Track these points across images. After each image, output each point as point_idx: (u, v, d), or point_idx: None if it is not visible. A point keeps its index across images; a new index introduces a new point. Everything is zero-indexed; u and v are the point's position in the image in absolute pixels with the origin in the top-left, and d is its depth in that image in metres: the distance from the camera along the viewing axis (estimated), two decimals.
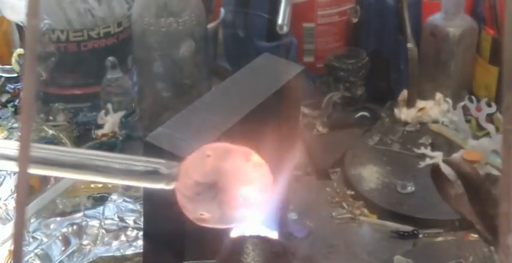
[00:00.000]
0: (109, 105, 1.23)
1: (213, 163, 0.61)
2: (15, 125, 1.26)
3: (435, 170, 0.86)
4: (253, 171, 0.61)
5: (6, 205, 1.08)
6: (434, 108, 1.27)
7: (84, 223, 1.04)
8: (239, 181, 0.61)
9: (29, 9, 0.31)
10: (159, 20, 1.16)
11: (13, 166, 0.55)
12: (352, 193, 1.14)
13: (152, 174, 0.62)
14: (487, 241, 0.90)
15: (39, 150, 0.57)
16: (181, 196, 0.62)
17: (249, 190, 0.61)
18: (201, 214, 0.61)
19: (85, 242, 1.02)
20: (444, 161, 0.59)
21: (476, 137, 1.20)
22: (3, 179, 1.12)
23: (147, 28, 1.16)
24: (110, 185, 1.12)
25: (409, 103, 1.28)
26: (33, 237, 1.02)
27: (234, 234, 0.65)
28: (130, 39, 1.23)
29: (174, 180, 0.62)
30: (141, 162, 0.62)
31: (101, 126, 1.23)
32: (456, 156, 0.97)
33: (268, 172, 0.62)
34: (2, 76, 1.39)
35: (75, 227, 1.04)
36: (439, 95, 1.27)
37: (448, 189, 0.84)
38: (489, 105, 1.21)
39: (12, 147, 0.55)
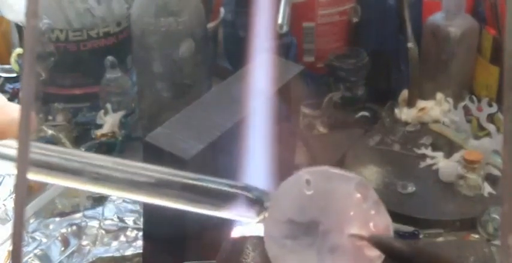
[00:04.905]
0: (108, 105, 1.23)
1: (315, 194, 0.45)
2: None
3: None
4: (371, 209, 0.45)
5: (5, 205, 1.07)
6: (435, 109, 1.26)
7: (83, 224, 1.04)
8: (350, 222, 0.45)
9: (28, 9, 0.30)
10: (158, 19, 1.15)
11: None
12: None
13: (232, 200, 0.46)
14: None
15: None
16: (268, 237, 0.46)
17: (365, 237, 0.44)
18: None
19: (84, 242, 1.02)
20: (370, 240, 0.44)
21: (477, 137, 1.20)
22: (3, 179, 1.11)
23: (146, 28, 1.16)
24: None
25: (410, 103, 1.27)
26: (32, 237, 1.02)
27: (234, 234, 0.64)
28: (130, 39, 1.23)
29: (261, 213, 0.46)
30: (220, 185, 0.47)
31: (100, 126, 1.23)
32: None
33: (387, 213, 0.46)
34: (1, 76, 1.38)
35: (74, 227, 1.03)
36: (439, 95, 1.27)
37: None
38: (490, 105, 1.21)
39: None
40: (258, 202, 0.46)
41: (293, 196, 0.46)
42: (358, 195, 0.45)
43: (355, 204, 0.45)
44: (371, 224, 0.45)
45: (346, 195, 0.45)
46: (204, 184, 0.47)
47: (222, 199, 0.46)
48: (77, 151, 0.50)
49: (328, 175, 0.46)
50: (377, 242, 0.44)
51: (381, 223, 0.45)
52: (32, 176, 0.47)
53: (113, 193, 0.49)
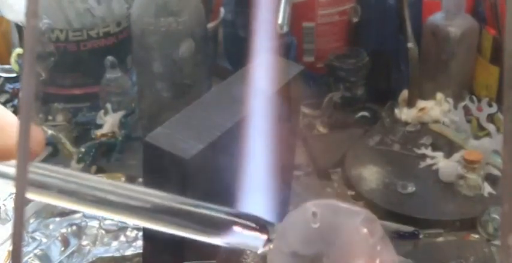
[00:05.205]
0: (108, 105, 1.23)
1: (321, 227, 0.44)
2: None
3: None
4: (377, 244, 0.45)
5: (5, 205, 1.07)
6: (435, 109, 1.26)
7: (83, 224, 1.04)
8: (356, 256, 0.45)
9: (28, 9, 0.30)
10: (158, 19, 1.15)
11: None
12: (353, 193, 1.14)
13: (240, 229, 0.45)
14: None
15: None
16: None
17: None
18: None
19: (84, 242, 1.02)
20: None
21: (477, 137, 1.20)
22: None
23: (146, 28, 1.16)
24: None
25: (410, 103, 1.27)
26: (32, 237, 1.02)
27: None
28: (130, 39, 1.23)
29: (266, 244, 0.45)
30: (225, 214, 0.46)
31: (100, 126, 1.23)
32: None
33: (393, 249, 0.46)
34: (1, 76, 1.38)
35: (74, 227, 1.03)
36: (439, 95, 1.27)
37: None
38: (490, 105, 1.21)
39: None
40: (263, 232, 0.45)
41: (299, 228, 0.45)
42: (365, 230, 0.45)
43: (361, 239, 0.45)
44: (377, 261, 0.44)
45: (352, 229, 0.45)
46: (208, 212, 0.46)
47: (227, 228, 0.45)
48: (75, 172, 0.49)
49: (335, 208, 0.46)
50: None
51: (387, 259, 0.45)
52: (29, 196, 0.46)
53: (110, 216, 0.48)
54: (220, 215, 0.46)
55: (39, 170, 0.47)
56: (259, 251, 0.45)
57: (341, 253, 0.44)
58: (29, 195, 0.46)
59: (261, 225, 0.45)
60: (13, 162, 0.47)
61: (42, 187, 0.46)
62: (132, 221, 0.48)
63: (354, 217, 0.45)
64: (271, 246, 0.45)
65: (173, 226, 0.46)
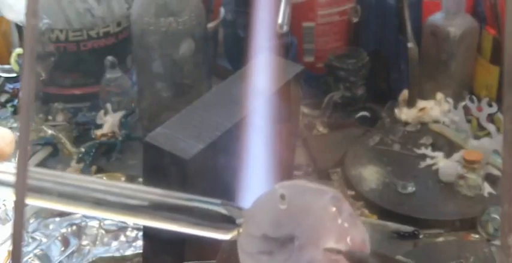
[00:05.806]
0: (108, 105, 1.23)
1: (290, 208, 0.44)
2: (15, 125, 1.26)
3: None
4: (346, 222, 0.45)
5: (5, 205, 1.07)
6: (435, 108, 1.26)
7: (83, 223, 1.04)
8: (325, 236, 0.44)
9: (28, 9, 0.31)
10: (158, 19, 1.15)
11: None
12: (353, 193, 1.14)
13: (207, 217, 0.46)
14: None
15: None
16: (244, 253, 0.45)
17: (340, 251, 0.44)
18: None
19: (84, 242, 1.02)
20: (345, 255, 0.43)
21: (477, 137, 1.20)
22: None
23: (146, 28, 1.16)
24: None
25: (410, 103, 1.27)
26: (32, 237, 1.02)
27: None
28: (130, 39, 1.23)
29: (234, 229, 0.45)
30: (193, 202, 0.46)
31: (100, 126, 1.23)
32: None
33: (363, 226, 0.46)
34: (1, 76, 1.38)
35: (74, 227, 1.03)
36: (439, 95, 1.27)
37: None
38: (490, 105, 1.21)
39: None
40: (231, 218, 0.45)
41: (268, 211, 0.45)
42: (333, 209, 0.45)
43: (330, 218, 0.44)
44: (347, 238, 0.44)
45: (321, 209, 0.44)
46: (179, 202, 0.46)
47: (197, 216, 0.46)
48: (71, 175, 0.50)
49: (303, 189, 0.46)
50: (352, 257, 0.44)
51: (357, 236, 0.45)
52: (30, 201, 0.46)
53: (109, 217, 0.49)
54: (189, 204, 0.46)
55: (37, 175, 0.47)
56: (228, 237, 0.45)
57: (311, 233, 0.44)
58: (29, 200, 0.46)
59: (229, 211, 0.45)
60: (9, 168, 0.47)
61: (42, 192, 0.47)
62: (128, 219, 0.48)
63: (322, 196, 0.45)
64: (241, 230, 0.45)
65: (148, 218, 0.47)
